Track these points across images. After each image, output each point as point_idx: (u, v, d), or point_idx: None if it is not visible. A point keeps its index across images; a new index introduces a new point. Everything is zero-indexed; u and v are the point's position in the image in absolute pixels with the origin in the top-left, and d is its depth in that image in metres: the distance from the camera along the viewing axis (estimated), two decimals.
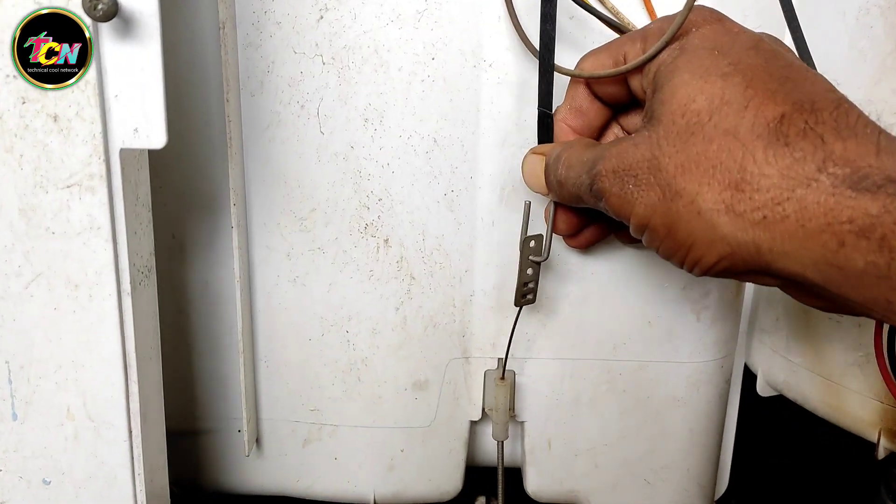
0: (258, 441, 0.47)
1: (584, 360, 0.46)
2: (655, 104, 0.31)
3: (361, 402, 0.46)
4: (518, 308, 0.42)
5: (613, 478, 0.48)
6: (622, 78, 0.34)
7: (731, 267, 0.29)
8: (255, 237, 0.43)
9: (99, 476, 0.35)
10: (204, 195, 0.42)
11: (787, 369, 0.50)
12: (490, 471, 0.48)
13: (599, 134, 0.38)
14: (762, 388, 0.53)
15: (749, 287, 0.51)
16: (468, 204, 0.42)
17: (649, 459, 0.48)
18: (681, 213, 0.29)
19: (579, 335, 0.45)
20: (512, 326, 0.43)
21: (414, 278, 0.44)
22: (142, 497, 0.35)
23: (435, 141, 0.41)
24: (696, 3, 0.32)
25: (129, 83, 0.30)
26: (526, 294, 0.41)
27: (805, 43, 0.38)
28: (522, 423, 0.47)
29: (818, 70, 0.35)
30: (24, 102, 0.30)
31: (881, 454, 0.46)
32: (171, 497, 0.39)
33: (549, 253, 0.40)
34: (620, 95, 0.35)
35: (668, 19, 0.32)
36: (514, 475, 0.49)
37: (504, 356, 0.44)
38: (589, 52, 0.36)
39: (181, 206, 0.42)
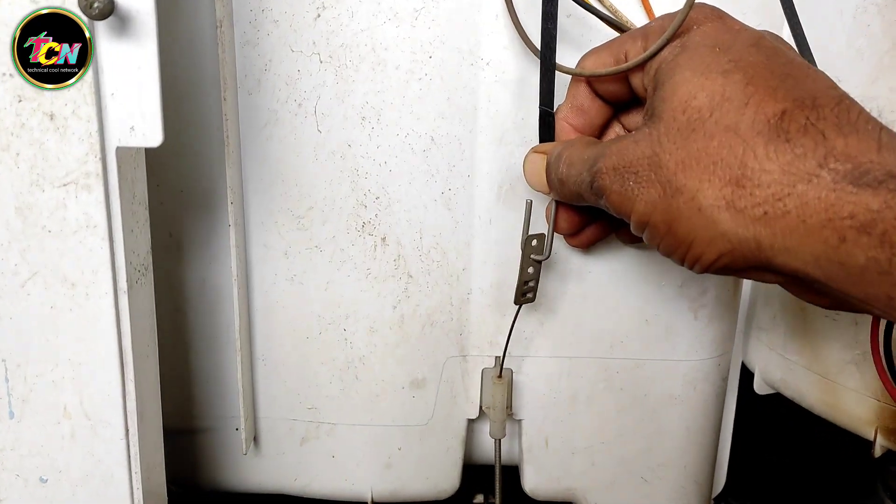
0: (256, 439, 0.47)
1: (581, 359, 0.46)
2: (656, 101, 0.31)
3: (359, 401, 0.46)
4: (517, 307, 0.42)
5: (610, 476, 0.48)
6: (623, 76, 0.34)
7: (731, 263, 0.29)
8: (253, 235, 0.43)
9: (96, 474, 0.35)
10: (201, 193, 0.42)
11: (784, 367, 0.50)
12: (487, 469, 0.48)
13: (601, 132, 0.38)
14: (759, 386, 0.53)
15: (746, 285, 0.51)
16: (466, 202, 0.42)
17: (646, 457, 0.48)
18: (681, 209, 0.29)
19: (577, 333, 0.45)
20: (510, 325, 0.43)
21: (411, 277, 0.44)
22: (139, 495, 0.35)
23: (432, 139, 0.41)
24: (696, 1, 0.32)
25: (126, 81, 0.30)
26: (526, 293, 0.41)
27: (805, 40, 0.38)
28: (520, 421, 0.47)
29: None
30: (20, 101, 0.30)
31: (877, 452, 0.46)
32: (169, 495, 0.39)
33: (550, 252, 0.40)
34: (621, 94, 0.35)
35: (668, 17, 0.32)
36: (512, 473, 0.49)
37: (502, 354, 0.44)
38: (590, 51, 0.36)
39: (178, 204, 0.42)
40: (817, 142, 0.26)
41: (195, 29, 0.39)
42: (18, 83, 0.30)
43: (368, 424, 0.47)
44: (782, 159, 0.27)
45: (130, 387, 0.33)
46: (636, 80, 0.34)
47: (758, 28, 0.32)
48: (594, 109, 0.37)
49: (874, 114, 0.34)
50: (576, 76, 0.36)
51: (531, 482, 0.49)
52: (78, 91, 0.30)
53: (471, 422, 0.47)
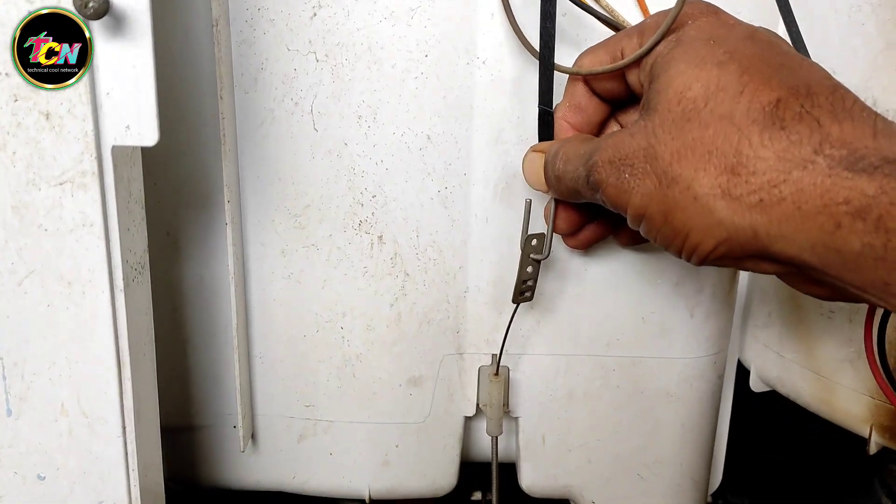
0: (253, 437, 0.47)
1: (577, 356, 0.46)
2: (651, 94, 0.31)
3: (356, 398, 0.46)
4: (515, 305, 0.42)
5: (607, 473, 0.48)
6: (620, 73, 0.35)
7: (728, 252, 0.29)
8: (250, 234, 0.43)
9: (93, 472, 0.35)
10: (198, 192, 0.42)
11: (779, 365, 0.50)
12: (484, 466, 0.49)
13: (599, 130, 0.38)
14: (755, 384, 0.53)
15: (742, 283, 0.51)
16: (462, 201, 0.42)
17: (643, 454, 0.48)
18: (677, 199, 0.29)
19: (573, 331, 0.45)
20: (508, 323, 0.43)
21: (408, 275, 0.44)
22: (136, 492, 0.35)
23: (428, 138, 0.41)
24: None
25: (121, 81, 0.30)
26: (524, 292, 0.41)
27: (801, 38, 0.38)
28: (517, 418, 0.47)
29: None
30: (16, 100, 0.30)
31: (872, 449, 0.46)
32: (167, 493, 0.39)
33: (549, 251, 0.40)
34: (618, 91, 0.36)
35: (664, 14, 0.32)
36: (509, 470, 0.50)
37: (498, 352, 0.44)
38: (587, 50, 0.36)
39: (175, 203, 0.42)
40: (812, 129, 0.26)
41: (191, 28, 0.39)
42: (14, 82, 0.30)
43: (366, 422, 0.47)
44: (777, 146, 0.27)
45: (127, 385, 0.34)
46: (633, 77, 0.34)
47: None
48: (592, 108, 0.37)
49: None
50: (573, 75, 0.36)
51: (528, 479, 0.49)
52: (74, 90, 0.30)
53: (468, 419, 0.48)
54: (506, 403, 0.46)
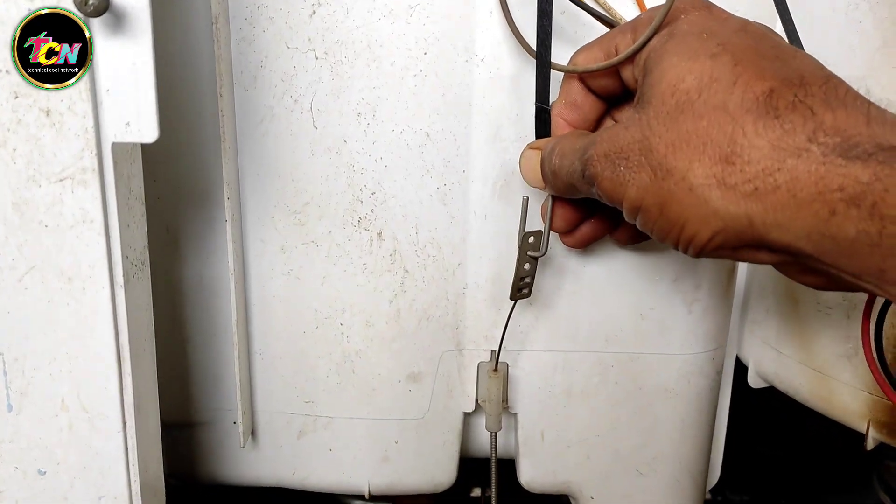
0: (253, 433, 0.48)
1: (576, 353, 0.46)
2: (645, 88, 0.31)
3: (356, 394, 0.46)
4: (513, 302, 0.42)
5: (606, 469, 0.49)
6: (615, 70, 0.35)
7: (725, 242, 0.29)
8: (250, 231, 0.43)
9: (93, 467, 0.35)
10: (198, 189, 0.42)
11: (777, 361, 0.50)
12: (484, 462, 0.49)
13: (595, 127, 0.38)
14: (753, 380, 0.53)
15: (740, 280, 0.51)
16: (461, 198, 0.43)
17: (641, 451, 0.48)
18: (672, 191, 0.29)
19: (572, 327, 0.45)
20: (506, 319, 0.43)
21: (407, 271, 0.44)
22: (136, 487, 0.35)
23: (427, 135, 0.41)
24: None
25: (121, 78, 0.30)
26: (522, 288, 0.41)
27: (797, 36, 0.38)
28: (516, 414, 0.48)
29: None
30: (16, 97, 0.30)
31: (870, 444, 0.46)
32: (168, 489, 0.39)
33: (547, 248, 0.40)
34: (613, 88, 0.36)
35: (656, 9, 0.33)
36: (508, 466, 0.50)
37: (497, 348, 0.45)
38: (581, 47, 0.36)
39: (175, 200, 0.43)
40: (806, 117, 0.27)
41: (191, 25, 0.39)
42: (15, 79, 0.30)
43: (365, 418, 0.47)
44: (771, 135, 0.27)
45: (127, 380, 0.34)
46: (627, 73, 0.34)
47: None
48: (588, 105, 0.37)
49: None
50: (568, 73, 0.36)
51: (527, 475, 0.49)
52: (74, 87, 0.30)
53: (467, 415, 0.48)
54: (505, 399, 0.46)
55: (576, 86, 0.37)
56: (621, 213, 0.33)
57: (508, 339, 0.45)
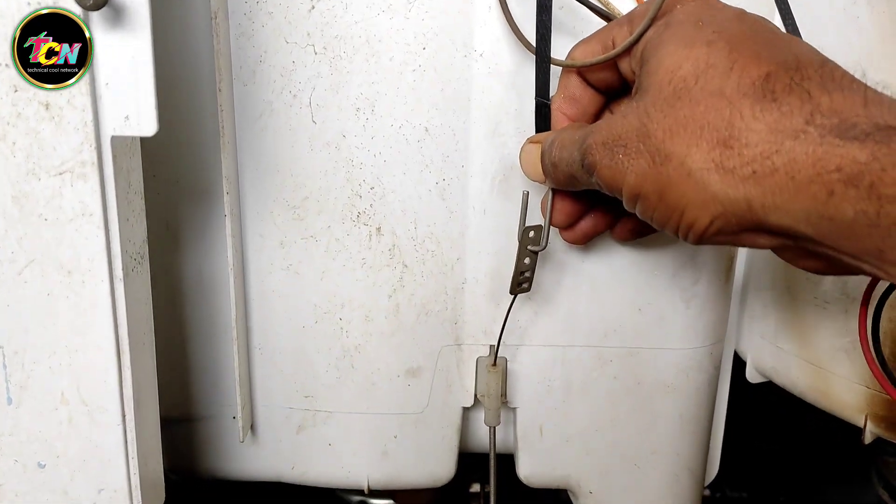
0: (253, 428, 0.48)
1: (575, 347, 0.46)
2: (643, 77, 0.31)
3: (355, 389, 0.46)
4: (512, 296, 0.42)
5: (604, 463, 0.49)
6: (613, 63, 0.35)
7: (724, 227, 0.29)
8: (249, 226, 0.43)
9: (93, 460, 0.35)
10: (197, 184, 0.42)
11: (775, 356, 0.50)
12: (483, 457, 0.49)
13: (595, 121, 0.38)
14: (751, 375, 0.53)
15: (738, 275, 0.51)
16: (459, 193, 0.43)
17: (640, 445, 0.48)
18: (671, 176, 0.29)
19: (570, 322, 0.46)
20: (505, 314, 0.43)
21: (406, 266, 0.44)
22: (136, 480, 0.35)
23: (426, 130, 0.41)
24: None
25: (120, 71, 0.30)
26: (521, 283, 0.41)
27: (797, 30, 0.38)
28: (514, 409, 0.48)
29: None
30: (16, 90, 0.30)
31: (868, 438, 0.47)
32: (168, 485, 0.39)
33: (547, 243, 0.40)
34: (612, 80, 0.36)
35: (652, 1, 0.33)
36: (507, 461, 0.50)
37: (496, 343, 0.45)
38: (579, 41, 0.36)
39: (174, 195, 0.43)
40: (803, 100, 0.27)
41: (190, 21, 0.39)
42: (14, 73, 0.30)
43: (364, 413, 0.47)
44: (769, 118, 0.27)
45: (127, 373, 0.34)
46: (624, 65, 0.34)
47: None
48: (587, 98, 0.37)
49: None
50: (566, 67, 0.37)
51: (526, 469, 0.49)
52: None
53: (466, 410, 0.48)
54: (503, 394, 0.46)
55: (574, 80, 0.37)
56: (621, 207, 0.33)
57: (507, 334, 0.45)
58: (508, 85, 0.41)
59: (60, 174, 0.31)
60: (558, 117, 0.38)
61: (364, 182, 0.42)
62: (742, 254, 0.51)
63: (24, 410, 0.34)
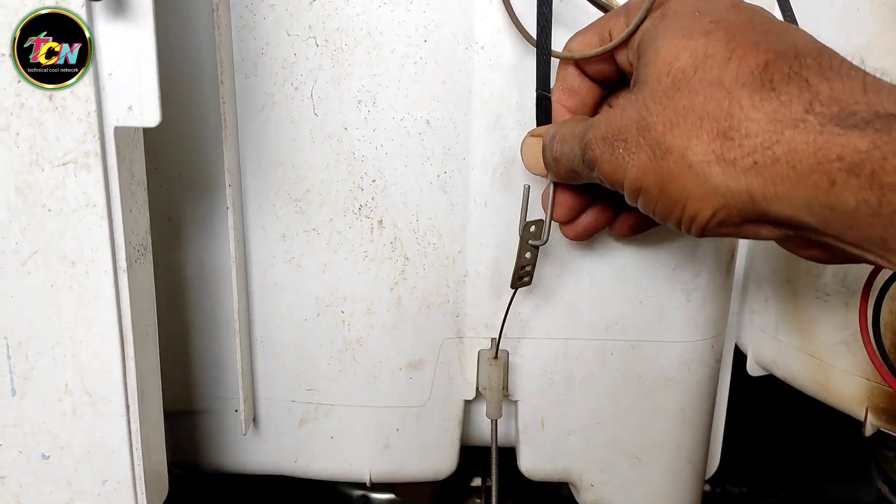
0: (255, 420, 0.48)
1: (576, 340, 0.46)
2: (641, 69, 0.31)
3: (357, 382, 0.47)
4: (513, 290, 0.42)
5: (605, 456, 0.49)
6: (610, 55, 0.35)
7: (727, 219, 0.29)
8: (251, 218, 0.43)
9: (97, 451, 0.35)
10: (199, 177, 0.43)
11: (776, 349, 0.51)
12: (484, 450, 0.49)
13: (594, 112, 0.38)
14: (752, 368, 0.53)
15: (739, 268, 0.51)
16: (461, 185, 0.43)
17: (641, 438, 0.48)
18: (672, 169, 0.29)
19: (572, 315, 0.46)
20: (506, 307, 0.43)
21: (408, 259, 0.44)
22: (140, 472, 0.35)
23: (428, 123, 0.42)
24: None
25: (123, 62, 0.30)
26: (522, 277, 0.41)
27: (795, 21, 0.38)
28: (516, 402, 0.48)
29: None
30: (19, 81, 0.30)
31: (868, 431, 0.47)
32: (172, 478, 0.39)
33: (548, 237, 0.40)
34: (609, 72, 0.36)
35: None
36: (508, 454, 0.50)
37: (497, 336, 0.45)
38: (576, 33, 0.36)
39: (176, 187, 0.43)
40: (802, 88, 0.27)
41: (192, 12, 0.39)
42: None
43: (366, 406, 0.47)
44: (768, 107, 0.27)
45: (131, 364, 0.34)
46: (622, 57, 0.34)
47: None
48: (585, 90, 0.37)
49: None
50: (566, 60, 0.37)
51: (527, 463, 0.49)
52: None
53: (467, 403, 0.48)
54: (505, 387, 0.46)
55: (572, 71, 0.37)
56: (622, 202, 0.33)
57: (509, 327, 0.45)
58: (509, 77, 0.41)
59: (64, 165, 0.31)
60: (558, 109, 0.38)
61: (366, 175, 0.42)
62: (743, 247, 0.51)
63: (28, 401, 0.34)
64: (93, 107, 0.30)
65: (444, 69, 0.41)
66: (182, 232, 0.44)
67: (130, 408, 0.35)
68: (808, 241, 0.29)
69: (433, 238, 0.44)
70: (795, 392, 0.51)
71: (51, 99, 0.30)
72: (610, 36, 0.34)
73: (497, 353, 0.45)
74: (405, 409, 0.47)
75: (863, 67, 0.27)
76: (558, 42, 0.37)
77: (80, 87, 0.30)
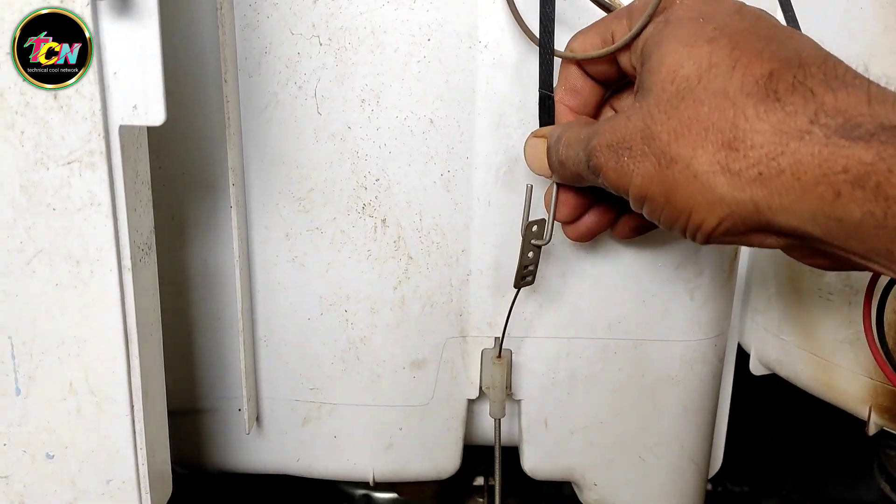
0: (258, 420, 0.48)
1: (579, 339, 0.46)
2: (644, 75, 0.31)
3: (360, 381, 0.47)
4: (516, 289, 0.42)
5: (608, 455, 0.49)
6: (612, 57, 0.35)
7: (732, 228, 0.29)
8: (254, 217, 0.43)
9: (101, 450, 0.35)
10: (203, 176, 0.43)
11: (779, 348, 0.51)
12: (487, 449, 0.49)
13: (597, 111, 0.38)
14: (755, 367, 0.53)
15: (742, 267, 0.51)
16: (464, 184, 0.43)
17: (644, 437, 0.48)
18: (677, 179, 0.29)
19: (575, 314, 0.46)
20: (510, 307, 0.43)
21: (411, 258, 0.44)
22: (144, 471, 0.35)
23: (431, 122, 0.42)
24: None
25: (128, 60, 0.30)
26: (525, 276, 0.41)
27: (797, 22, 0.38)
28: (519, 401, 0.48)
29: None
30: (23, 80, 0.30)
31: (872, 430, 0.47)
32: (176, 477, 0.39)
33: (551, 237, 0.40)
34: (611, 73, 0.36)
35: None
36: (511, 453, 0.50)
37: (501, 335, 0.45)
38: (578, 32, 0.36)
39: (180, 186, 0.43)
40: (807, 99, 0.27)
41: (196, 12, 0.39)
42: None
43: (369, 405, 0.47)
44: (773, 118, 0.27)
45: (135, 363, 0.34)
46: (624, 60, 0.34)
47: None
48: (587, 90, 0.37)
49: None
50: (568, 60, 0.37)
51: (530, 462, 0.49)
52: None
53: (471, 402, 0.48)
54: (508, 386, 0.46)
55: (574, 71, 0.37)
56: (625, 203, 0.33)
57: (512, 326, 0.45)
58: (513, 76, 0.41)
59: (69, 164, 0.31)
60: (561, 109, 0.38)
61: (369, 174, 0.42)
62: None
63: (32, 401, 0.34)
64: (98, 105, 0.30)
65: (447, 68, 0.41)
66: (186, 231, 0.44)
67: (135, 407, 0.35)
68: (814, 249, 0.29)
69: (436, 237, 0.44)
70: (798, 391, 0.51)
71: (55, 98, 0.30)
72: (612, 37, 0.34)
73: (500, 353, 0.45)
74: (408, 409, 0.47)
75: (867, 74, 0.27)
76: (561, 41, 0.37)
77: (85, 86, 0.30)
